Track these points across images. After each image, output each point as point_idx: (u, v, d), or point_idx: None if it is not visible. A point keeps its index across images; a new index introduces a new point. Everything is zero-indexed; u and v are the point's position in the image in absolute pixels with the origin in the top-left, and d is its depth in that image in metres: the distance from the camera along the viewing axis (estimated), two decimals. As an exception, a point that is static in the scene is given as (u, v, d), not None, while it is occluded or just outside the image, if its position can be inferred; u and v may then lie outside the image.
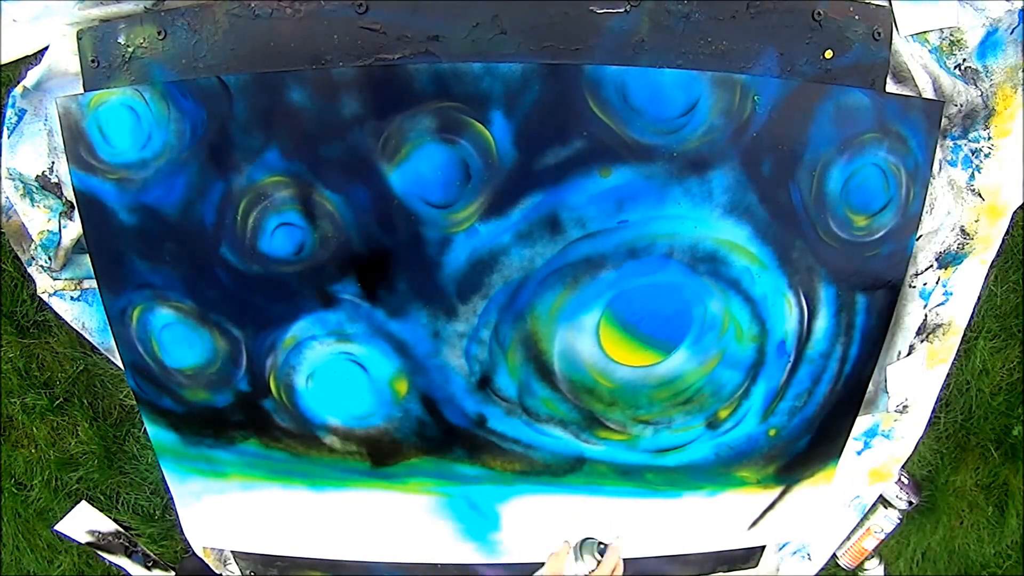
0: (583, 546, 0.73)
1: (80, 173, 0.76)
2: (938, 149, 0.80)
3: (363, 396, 0.82)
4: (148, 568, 1.13)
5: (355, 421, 0.84)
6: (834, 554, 1.13)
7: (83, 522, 1.10)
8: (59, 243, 0.83)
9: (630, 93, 0.68)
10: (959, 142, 0.80)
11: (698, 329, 0.79)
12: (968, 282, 0.88)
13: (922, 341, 0.90)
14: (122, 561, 1.13)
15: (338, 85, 0.69)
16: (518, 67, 0.69)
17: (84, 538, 1.11)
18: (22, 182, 0.81)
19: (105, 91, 0.73)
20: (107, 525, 1.10)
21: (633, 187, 0.72)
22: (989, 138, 0.79)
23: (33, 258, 0.84)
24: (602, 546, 0.72)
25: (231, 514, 0.94)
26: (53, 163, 0.82)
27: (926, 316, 0.88)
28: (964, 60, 0.77)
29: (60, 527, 1.09)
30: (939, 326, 0.90)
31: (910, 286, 0.86)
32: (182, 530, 0.96)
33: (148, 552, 1.11)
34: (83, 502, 1.08)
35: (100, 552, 1.12)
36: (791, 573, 1.08)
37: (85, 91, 0.76)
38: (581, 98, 0.68)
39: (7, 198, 0.84)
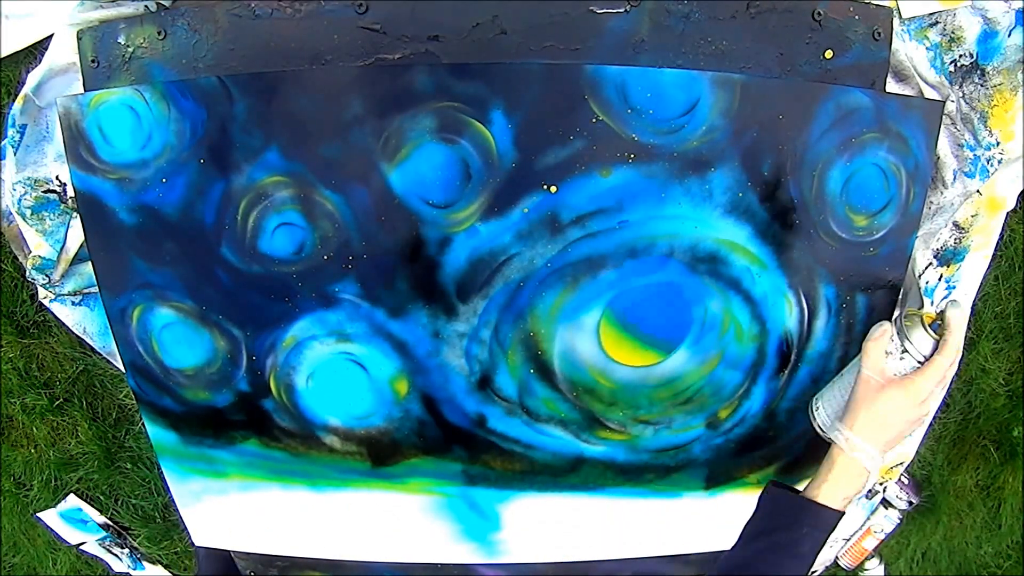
0: (905, 322, 0.68)
1: (80, 173, 0.76)
2: (955, 160, 0.80)
3: (363, 396, 0.82)
4: (139, 559, 1.13)
5: (355, 421, 0.84)
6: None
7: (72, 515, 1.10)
8: (61, 250, 0.83)
9: (630, 93, 0.68)
10: (976, 152, 0.79)
11: (698, 329, 0.79)
12: (970, 274, 0.88)
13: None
14: (110, 557, 1.13)
15: (338, 85, 0.69)
16: (518, 67, 0.69)
17: (68, 533, 1.11)
18: (26, 197, 0.81)
19: (105, 91, 0.73)
20: (96, 518, 1.10)
21: (633, 187, 0.72)
22: (998, 143, 0.79)
23: (31, 273, 0.85)
24: (935, 322, 0.68)
25: (231, 514, 0.94)
26: (58, 176, 0.83)
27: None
28: (961, 57, 0.77)
29: (49, 522, 1.09)
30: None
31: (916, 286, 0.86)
32: (185, 528, 0.96)
33: (136, 546, 1.11)
34: (71, 495, 1.07)
35: (88, 549, 1.12)
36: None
37: (85, 91, 0.76)
38: (581, 98, 0.68)
39: (7, 206, 0.84)
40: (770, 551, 0.66)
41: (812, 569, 1.11)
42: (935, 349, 0.67)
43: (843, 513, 0.66)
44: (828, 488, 0.66)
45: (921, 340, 0.68)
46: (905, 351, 0.68)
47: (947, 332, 0.67)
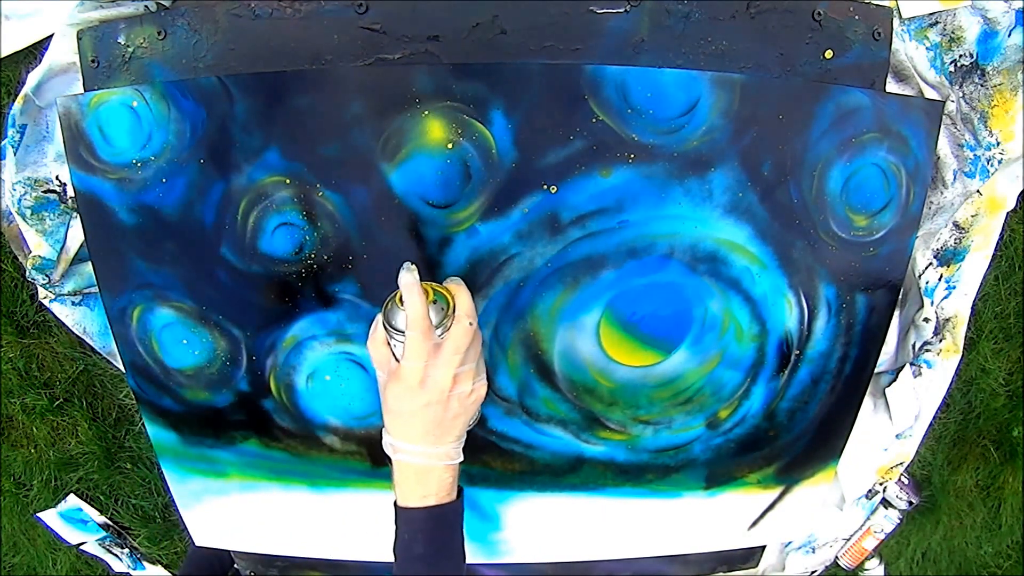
0: (388, 306, 0.63)
1: (80, 173, 0.76)
2: (955, 160, 0.80)
3: (363, 396, 0.82)
4: (139, 559, 1.13)
5: (355, 421, 0.84)
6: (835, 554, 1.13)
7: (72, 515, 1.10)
8: (61, 250, 0.83)
9: (630, 93, 0.68)
10: (976, 152, 0.79)
11: (698, 329, 0.79)
12: (970, 275, 0.88)
13: (940, 340, 0.90)
14: (110, 557, 1.13)
15: (338, 85, 0.69)
16: (518, 67, 0.69)
17: (68, 533, 1.11)
18: (26, 197, 0.81)
19: (105, 91, 0.73)
20: (96, 518, 1.10)
21: (633, 187, 0.72)
22: (998, 143, 0.79)
23: (31, 273, 0.85)
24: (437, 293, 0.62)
25: (231, 514, 0.94)
26: (58, 176, 0.83)
27: (937, 315, 0.88)
28: (961, 57, 0.77)
29: (49, 522, 1.09)
30: (947, 320, 0.90)
31: (916, 286, 0.86)
32: (185, 528, 0.96)
33: (136, 546, 1.11)
34: (71, 495, 1.07)
35: (88, 549, 1.12)
36: (794, 567, 1.08)
37: (85, 91, 0.76)
38: (581, 98, 0.68)
39: (7, 206, 0.84)
40: (396, 559, 0.68)
41: (813, 569, 1.11)
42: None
43: (431, 509, 0.63)
44: (400, 492, 0.65)
45: (400, 318, 0.60)
46: (396, 338, 0.62)
47: (452, 300, 0.61)
